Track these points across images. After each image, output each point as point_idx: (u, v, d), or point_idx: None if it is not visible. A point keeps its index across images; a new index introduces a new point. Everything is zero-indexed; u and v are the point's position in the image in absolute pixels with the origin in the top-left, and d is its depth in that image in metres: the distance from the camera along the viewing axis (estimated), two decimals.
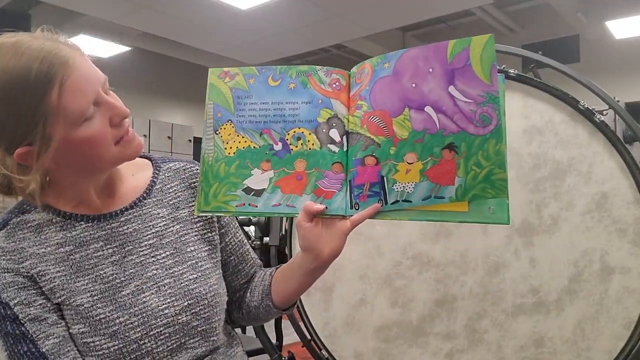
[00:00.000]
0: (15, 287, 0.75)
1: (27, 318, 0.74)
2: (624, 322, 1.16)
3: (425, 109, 0.78)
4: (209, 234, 0.90)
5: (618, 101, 1.25)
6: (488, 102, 0.76)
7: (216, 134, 0.85)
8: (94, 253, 0.80)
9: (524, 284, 1.21)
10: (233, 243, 0.95)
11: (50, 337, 0.74)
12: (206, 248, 0.89)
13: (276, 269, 0.93)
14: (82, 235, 0.80)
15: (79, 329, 0.76)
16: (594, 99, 1.25)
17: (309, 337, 1.39)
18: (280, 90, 0.84)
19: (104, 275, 0.79)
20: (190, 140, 7.59)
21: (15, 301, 0.74)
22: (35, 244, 0.77)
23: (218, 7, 4.72)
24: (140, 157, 0.93)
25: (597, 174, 1.20)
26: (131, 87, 7.11)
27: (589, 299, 1.18)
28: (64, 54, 0.71)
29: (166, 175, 0.91)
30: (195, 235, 0.88)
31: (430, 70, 0.78)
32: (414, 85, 0.79)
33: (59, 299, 0.77)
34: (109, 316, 0.77)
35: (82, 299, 0.77)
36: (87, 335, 0.76)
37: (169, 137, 7.34)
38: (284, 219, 1.46)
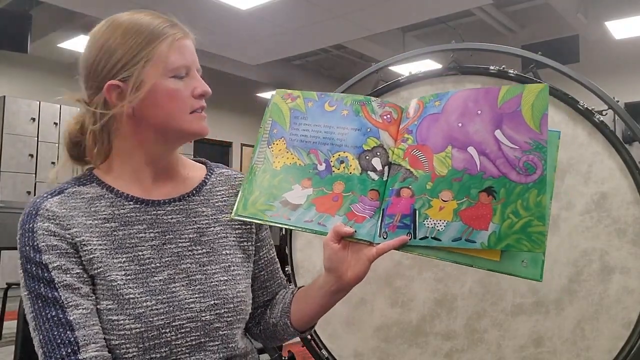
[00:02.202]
0: (58, 251, 0.77)
1: (61, 284, 0.76)
2: (623, 322, 1.16)
3: (467, 149, 0.77)
4: (246, 243, 0.93)
5: (617, 101, 1.26)
6: (534, 151, 0.74)
7: (269, 147, 0.90)
8: (136, 234, 0.83)
9: (523, 283, 1.21)
10: (265, 259, 0.97)
11: (79, 307, 0.76)
12: (241, 255, 0.91)
13: (298, 288, 0.95)
14: (128, 215, 0.83)
15: (106, 305, 0.78)
16: (593, 99, 1.26)
17: (309, 336, 1.39)
18: (334, 115, 0.89)
19: (142, 257, 0.82)
20: None
21: (55, 265, 0.76)
22: (85, 215, 0.81)
23: (218, 7, 4.73)
24: (197, 160, 0.98)
25: (596, 174, 1.20)
26: None
27: (588, 299, 1.18)
28: (185, 29, 0.86)
29: (217, 179, 0.95)
30: (233, 241, 0.91)
31: (479, 112, 0.78)
32: (460, 124, 0.79)
33: (95, 271, 0.78)
34: (137, 297, 0.78)
35: (116, 275, 0.79)
36: (113, 312, 0.77)
37: None
38: None
